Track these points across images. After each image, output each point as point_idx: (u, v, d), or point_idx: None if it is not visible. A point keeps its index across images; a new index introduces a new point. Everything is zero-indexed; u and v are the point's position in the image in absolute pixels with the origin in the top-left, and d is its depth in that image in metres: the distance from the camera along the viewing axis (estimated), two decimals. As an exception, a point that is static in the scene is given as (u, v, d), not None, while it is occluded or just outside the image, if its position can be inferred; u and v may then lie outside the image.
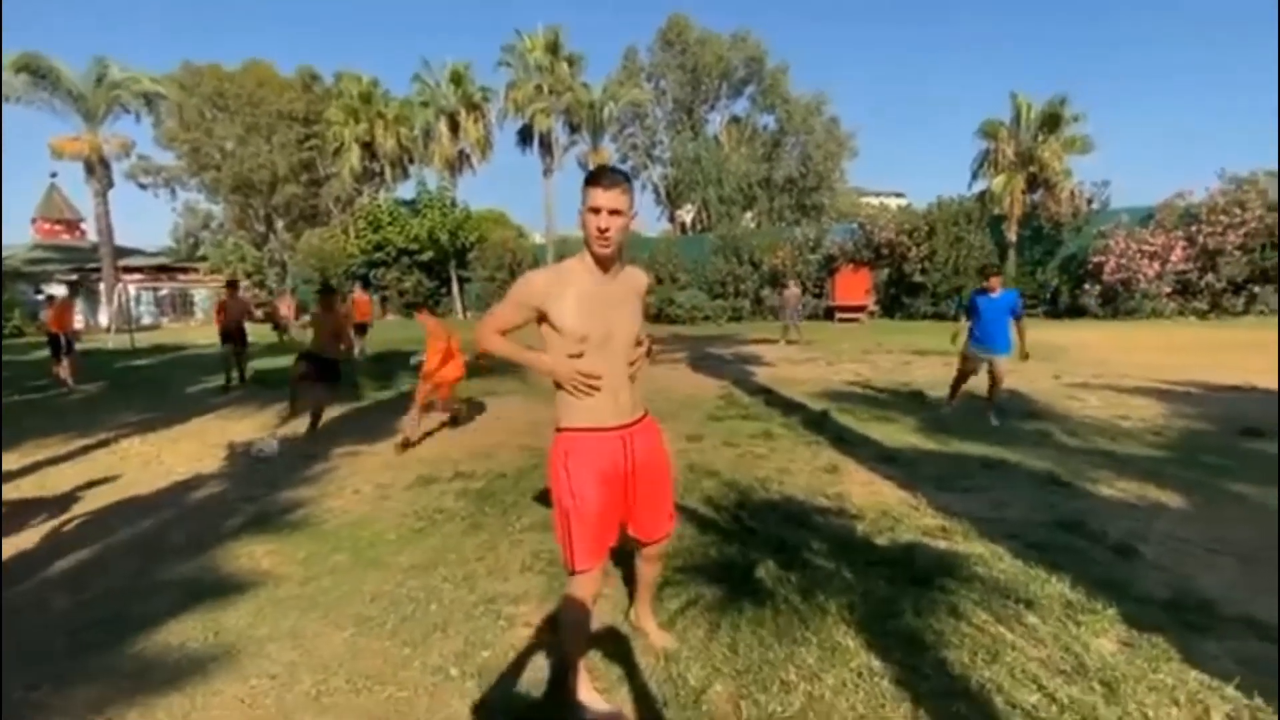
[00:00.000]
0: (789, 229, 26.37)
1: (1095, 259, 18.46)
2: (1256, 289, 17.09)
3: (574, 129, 27.63)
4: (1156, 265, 17.59)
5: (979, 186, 21.51)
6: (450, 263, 28.85)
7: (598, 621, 2.60)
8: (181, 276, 36.20)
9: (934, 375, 9.08)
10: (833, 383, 8.76)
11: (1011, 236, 20.29)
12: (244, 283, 33.17)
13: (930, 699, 2.05)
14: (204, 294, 34.50)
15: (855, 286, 21.61)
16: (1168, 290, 17.73)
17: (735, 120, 37.09)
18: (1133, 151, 59.07)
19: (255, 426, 6.89)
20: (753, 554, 3.14)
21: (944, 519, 3.61)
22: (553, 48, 27.00)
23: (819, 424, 6.10)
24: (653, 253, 25.40)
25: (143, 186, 42.01)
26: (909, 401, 7.37)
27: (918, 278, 20.35)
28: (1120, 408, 6.66)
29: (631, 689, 2.19)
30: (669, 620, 2.60)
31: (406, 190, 33.53)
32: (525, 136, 28.41)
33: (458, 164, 30.76)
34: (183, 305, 34.73)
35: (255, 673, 2.39)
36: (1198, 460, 4.71)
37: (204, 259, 38.03)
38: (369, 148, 31.21)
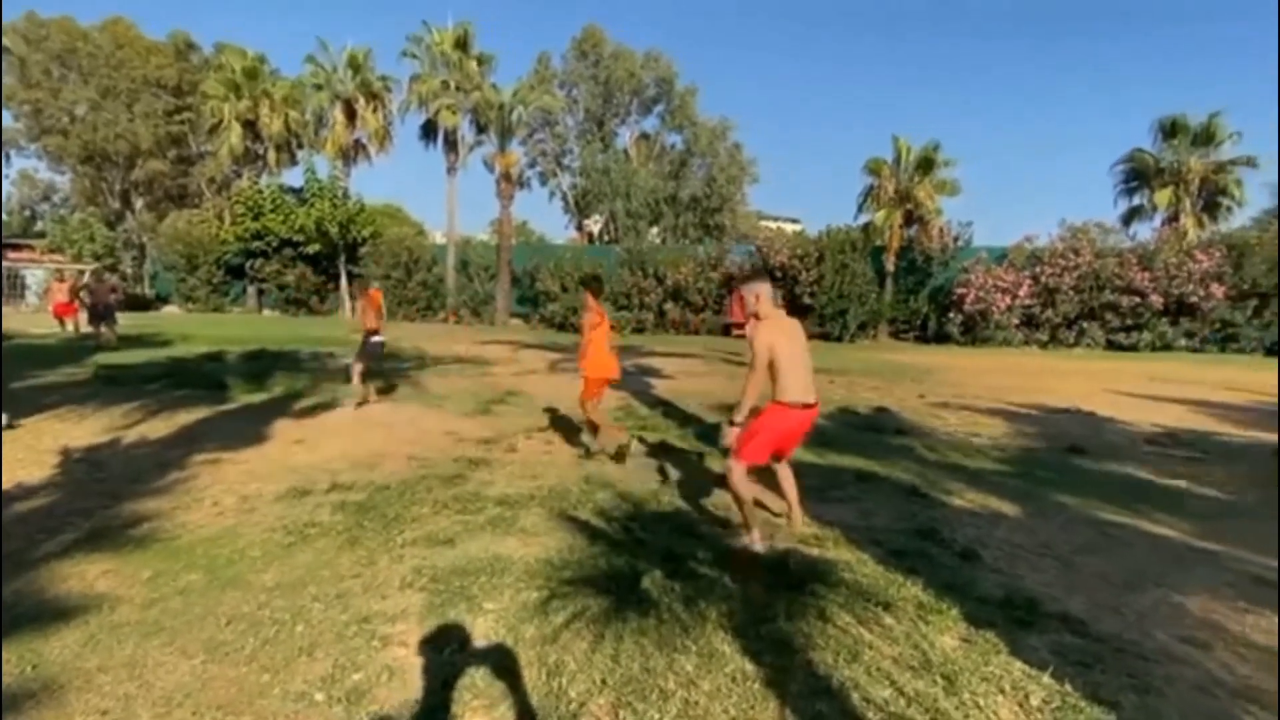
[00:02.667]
0: (693, 246, 27.21)
1: (958, 290, 20.53)
2: (1085, 324, 19.73)
3: (481, 129, 26.92)
4: (1007, 299, 19.85)
5: (864, 218, 23.32)
6: (340, 258, 27.11)
7: (484, 641, 2.55)
8: (12, 254, 31.42)
9: (820, 393, 9.66)
10: (729, 395, 9.10)
11: (890, 266, 22.14)
12: (93, 265, 29.42)
13: (797, 699, 2.19)
14: (40, 275, 30.12)
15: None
16: (1016, 322, 20.05)
17: (645, 136, 37.85)
18: (990, 197, 67.03)
19: (98, 429, 6.10)
20: (641, 564, 3.20)
21: (818, 528, 3.86)
22: (462, 44, 26.25)
23: (712, 437, 6.31)
24: (559, 261, 25.27)
25: (-38, 148, 36.17)
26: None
27: (807, 299, 21.65)
28: (974, 426, 7.43)
29: (514, 704, 2.16)
30: (554, 632, 2.59)
31: (292, 177, 31.27)
32: (428, 131, 27.33)
33: (352, 153, 29.04)
34: (12, 287, 30.05)
35: (82, 709, 2.11)
36: (1032, 474, 5.36)
37: (41, 235, 33.29)
38: (251, 127, 28.73)
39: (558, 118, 36.01)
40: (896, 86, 79.84)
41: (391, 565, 3.26)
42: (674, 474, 5.03)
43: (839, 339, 21.00)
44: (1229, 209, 22.64)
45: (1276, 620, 2.80)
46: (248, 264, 27.63)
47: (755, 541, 3.45)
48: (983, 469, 5.49)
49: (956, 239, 22.41)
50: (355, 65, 27.71)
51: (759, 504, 3.77)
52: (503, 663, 2.38)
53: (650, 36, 74.35)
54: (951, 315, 20.72)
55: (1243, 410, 8.78)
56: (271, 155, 29.47)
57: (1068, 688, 2.29)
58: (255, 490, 4.42)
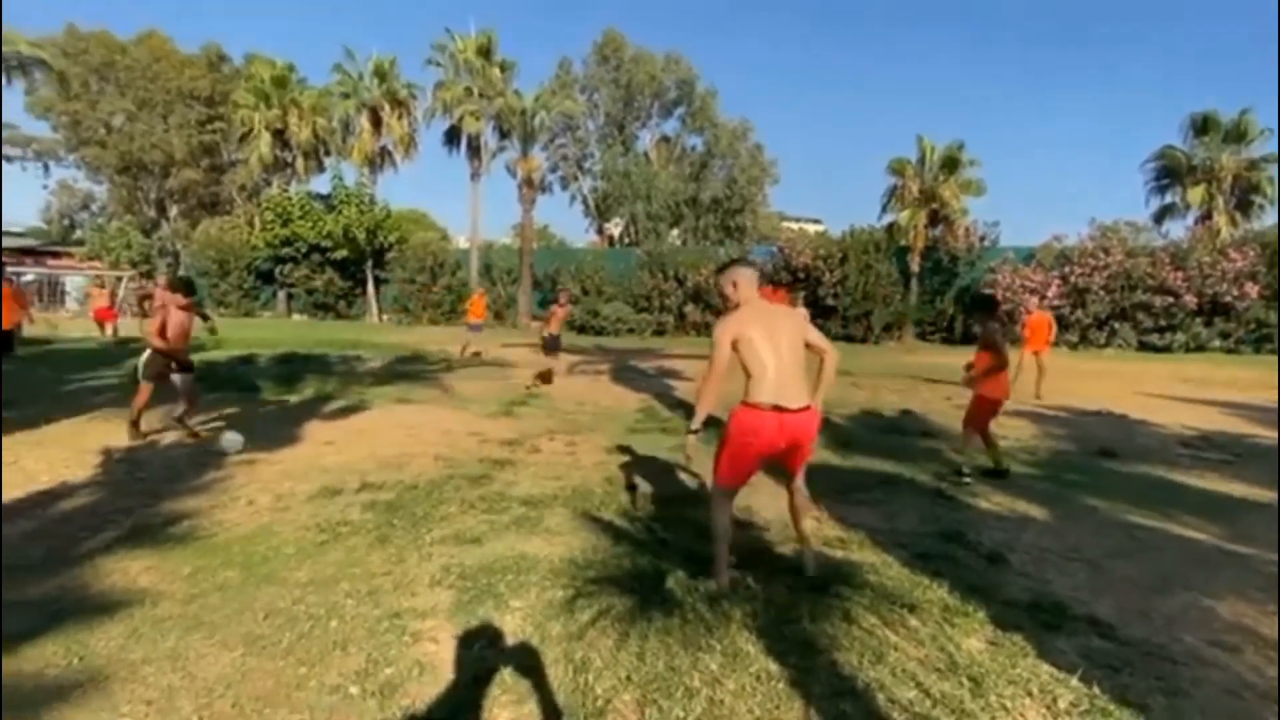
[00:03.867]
0: (713, 248, 27.16)
1: (985, 291, 20.17)
2: (1116, 325, 19.25)
3: (504, 134, 27.21)
4: (1036, 299, 19.43)
5: (888, 219, 23.07)
6: (366, 263, 27.60)
7: (511, 638, 2.60)
8: (52, 261, 32.56)
9: (843, 395, 9.60)
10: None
11: (915, 267, 21.85)
12: (130, 271, 30.34)
13: (821, 699, 2.20)
14: (78, 281, 31.14)
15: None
16: (1044, 323, 19.63)
17: (665, 139, 37.90)
18: (1018, 197, 65.93)
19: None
20: (664, 565, 3.23)
21: (842, 530, 3.85)
22: (485, 51, 26.58)
23: (733, 438, 6.32)
24: (579, 264, 25.46)
25: (9, 159, 37.58)
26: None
27: (830, 301, 21.47)
28: (1001, 428, 7.26)
29: (540, 701, 2.20)
30: (580, 630, 2.63)
31: (320, 184, 31.86)
32: (452, 138, 27.70)
33: (378, 160, 29.54)
34: (51, 293, 31.14)
35: (127, 699, 2.21)
36: (1060, 477, 5.27)
37: (80, 243, 34.42)
38: (281, 136, 29.41)
39: (579, 122, 36.24)
40: (921, 85, 78.87)
41: (421, 563, 3.33)
42: (693, 480, 5.04)
43: (863, 341, 20.79)
44: (1260, 207, 21.93)
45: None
46: (277, 269, 28.22)
47: (719, 585, 2.95)
48: (1010, 471, 5.41)
49: (983, 239, 22.05)
50: (381, 73, 28.19)
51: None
52: (530, 660, 2.42)
53: (670, 37, 74.45)
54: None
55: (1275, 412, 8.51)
56: (300, 163, 30.10)
57: (1095, 691, 2.27)
58: (288, 489, 4.55)
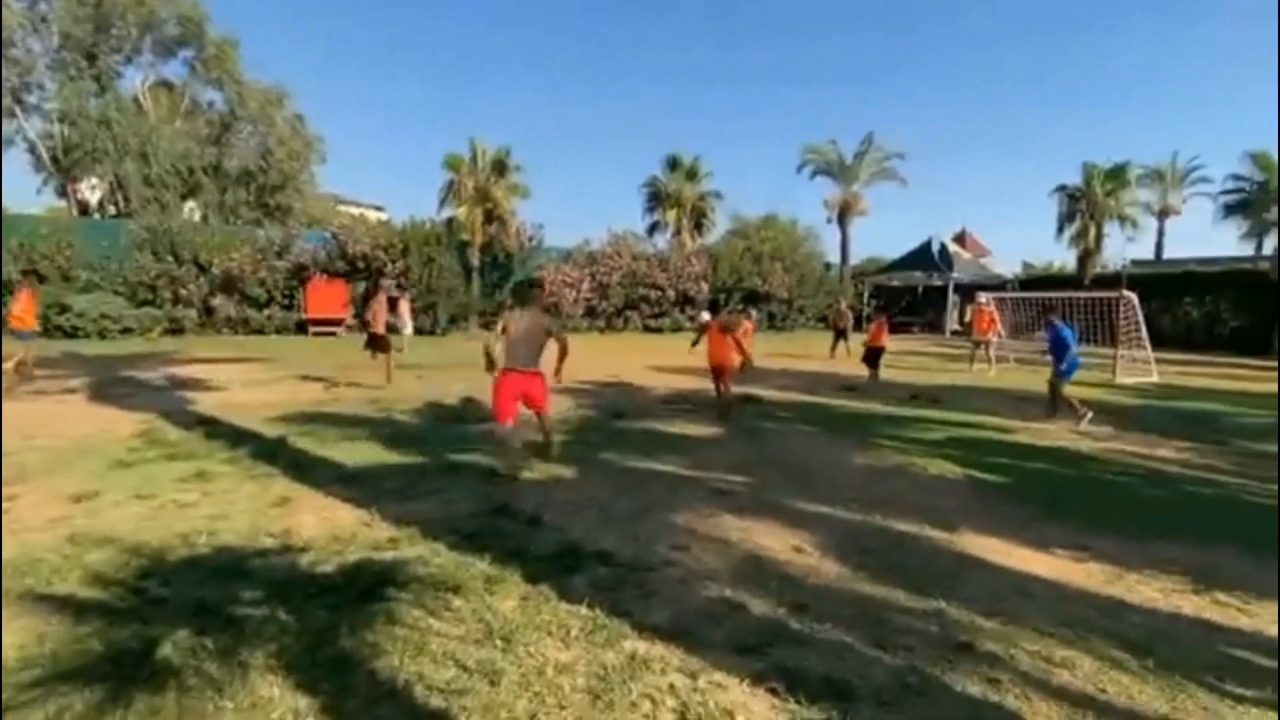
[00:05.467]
0: (249, 228, 22.94)
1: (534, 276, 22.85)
2: (629, 313, 24.45)
3: None
4: (574, 293, 23.07)
5: (447, 213, 23.62)
6: None
7: None
8: None
9: (407, 389, 9.43)
10: (299, 404, 8.03)
11: (475, 261, 23.06)
12: None
13: (357, 715, 2.08)
14: None
15: (331, 298, 20.53)
16: (581, 311, 23.48)
17: (166, 85, 29.80)
18: (555, 201, 76.74)
19: None
20: (157, 630, 2.53)
21: (396, 529, 3.76)
22: None
23: (273, 454, 5.47)
24: (29, 238, 17.88)
25: None
26: (378, 417, 7.39)
27: (394, 293, 20.77)
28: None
29: None
30: (-7, 768, 1.83)
31: None
32: None
33: None
34: None
35: None
36: (585, 439, 6.36)
37: None
38: None
39: (13, 36, 25.24)
40: (474, 87, 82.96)
41: None
42: (213, 509, 4.15)
43: (431, 332, 20.87)
44: (707, 228, 31.04)
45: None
46: None
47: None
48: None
49: (531, 239, 24.81)
50: None
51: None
52: None
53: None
54: (531, 307, 22.91)
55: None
56: None
57: (598, 612, 2.79)
58: None
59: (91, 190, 29.44)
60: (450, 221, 23.15)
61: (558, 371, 5.45)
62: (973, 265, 29.35)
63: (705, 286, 25.12)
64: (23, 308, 9.66)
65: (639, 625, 2.71)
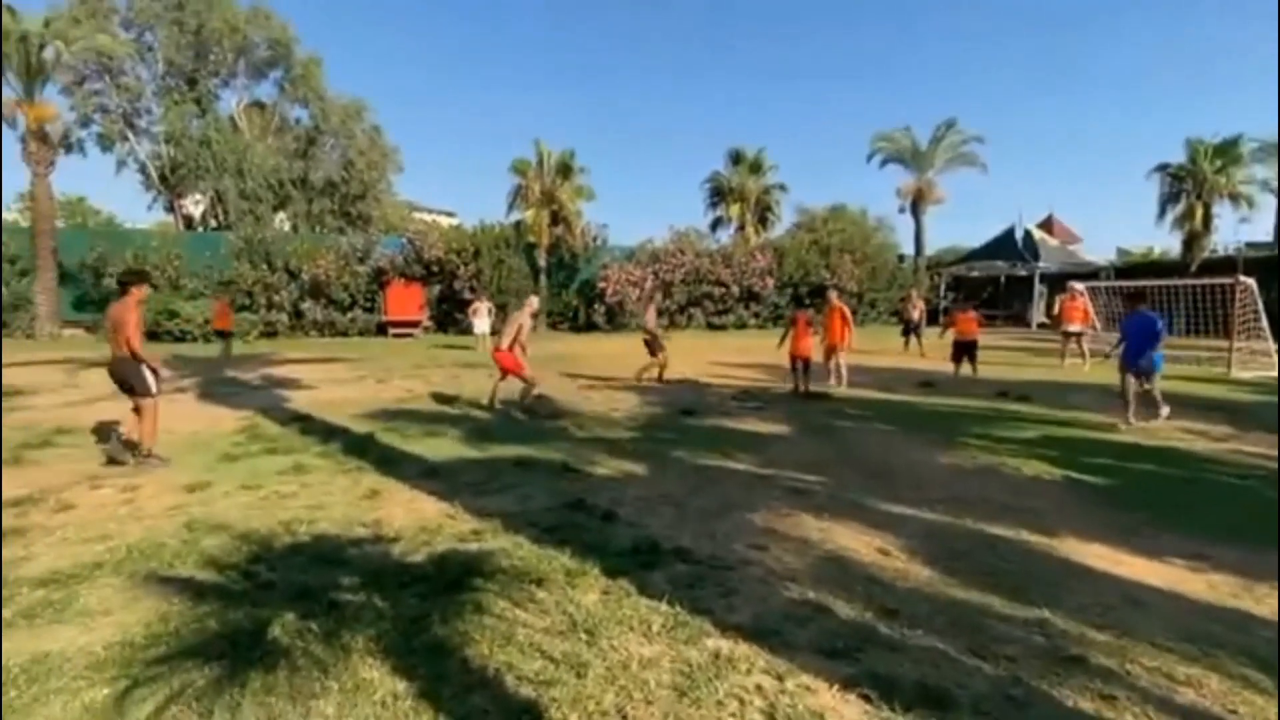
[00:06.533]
0: (333, 236, 24.35)
1: (600, 285, 23.12)
2: (692, 310, 24.34)
3: (-14, 64, 18.99)
4: (637, 291, 23.16)
5: (515, 216, 24.25)
6: None
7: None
8: None
9: (481, 387, 9.73)
10: (382, 401, 8.45)
11: (543, 262, 23.58)
12: None
13: (451, 700, 2.15)
14: None
15: (408, 301, 21.49)
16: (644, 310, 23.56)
17: (259, 105, 32.06)
18: (617, 201, 77.64)
19: None
20: (267, 612, 2.72)
21: (477, 522, 3.88)
22: (-67, -65, 18.01)
23: (362, 448, 5.77)
24: (141, 250, 19.71)
25: None
26: (454, 413, 7.67)
27: (467, 295, 21.55)
28: (614, 402, 8.46)
29: None
30: (136, 732, 2.01)
31: None
32: (-125, 55, 18.06)
33: None
34: None
35: None
36: (655, 436, 6.37)
37: None
38: None
39: (123, 65, 27.80)
40: (537, 88, 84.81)
41: None
42: (311, 499, 4.42)
43: (499, 333, 21.47)
44: (771, 222, 30.46)
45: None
46: None
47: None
48: (619, 438, 6.29)
49: (595, 239, 25.10)
50: None
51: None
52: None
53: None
54: (596, 306, 23.20)
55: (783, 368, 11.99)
56: None
57: (678, 609, 2.78)
58: None
59: (195, 205, 32.07)
60: (518, 224, 23.75)
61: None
62: (1061, 253, 27.51)
63: (770, 282, 24.66)
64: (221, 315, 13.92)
65: (720, 624, 2.68)
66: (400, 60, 76.37)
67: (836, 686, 2.25)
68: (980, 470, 5.25)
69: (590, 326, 23.38)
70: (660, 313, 22.51)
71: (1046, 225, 32.86)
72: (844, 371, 9.73)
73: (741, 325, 24.55)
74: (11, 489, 4.52)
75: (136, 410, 5.31)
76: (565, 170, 23.84)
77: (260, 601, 2.83)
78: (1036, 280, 26.44)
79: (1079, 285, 14.18)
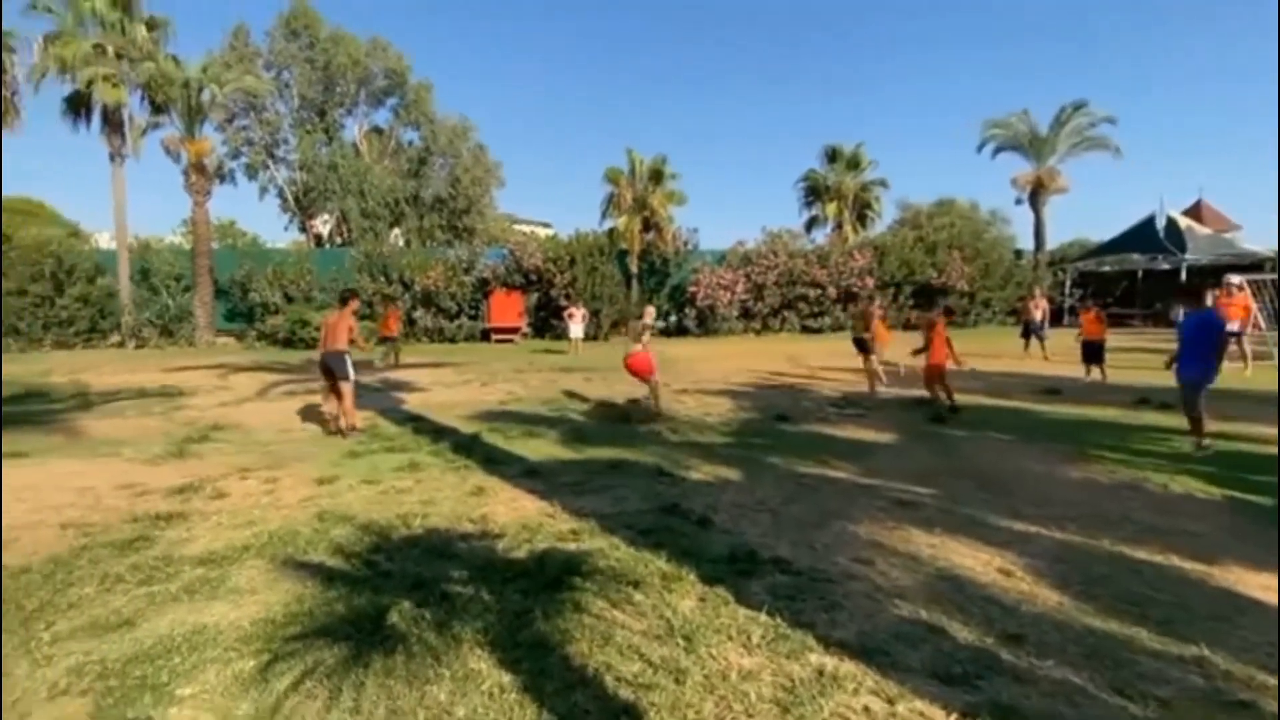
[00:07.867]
0: (441, 249, 25.98)
1: (691, 289, 23.09)
2: (785, 313, 23.73)
3: (157, 108, 21.97)
4: (728, 295, 22.92)
5: (608, 224, 24.79)
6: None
7: None
8: None
9: (575, 389, 9.99)
10: (486, 403, 8.88)
11: (634, 268, 23.91)
12: None
13: (554, 697, 2.20)
14: None
15: (509, 308, 22.52)
16: (736, 314, 23.26)
17: (377, 131, 34.90)
18: (709, 205, 77.15)
19: None
20: (386, 599, 2.92)
21: (575, 522, 3.97)
22: (124, 3, 21.13)
23: (469, 447, 6.09)
24: (279, 266, 21.99)
25: None
26: (553, 415, 7.91)
27: (563, 302, 22.26)
28: (707, 406, 8.40)
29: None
30: (277, 701, 2.22)
31: None
32: (77, 107, 21.43)
33: (-50, 130, 21.39)
34: None
35: None
36: (750, 442, 6.24)
37: None
38: None
39: (265, 102, 31.21)
40: (628, 95, 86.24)
41: (36, 670, 2.47)
42: (424, 495, 4.71)
43: (594, 338, 21.99)
44: (871, 219, 29.13)
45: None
46: None
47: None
48: (713, 443, 6.23)
49: (686, 243, 25.11)
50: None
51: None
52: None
53: (375, 29, 68.51)
54: (687, 311, 23.19)
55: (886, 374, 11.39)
56: None
57: (778, 620, 2.70)
58: None
59: (324, 224, 35.31)
60: (611, 232, 24.23)
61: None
62: (1214, 242, 24.23)
63: (870, 282, 23.55)
64: (389, 322, 15.48)
65: (824, 639, 2.57)
66: (498, 78, 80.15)
67: (955, 715, 2.09)
68: (1118, 486, 4.72)
69: (681, 330, 23.39)
70: (769, 314, 22.12)
71: (1195, 212, 29.03)
72: (883, 375, 9.69)
73: (838, 327, 23.60)
74: (176, 478, 5.17)
75: (337, 393, 6.87)
76: (657, 176, 24.06)
77: (381, 589, 3.05)
78: (1183, 274, 23.49)
79: (1236, 279, 12.42)
